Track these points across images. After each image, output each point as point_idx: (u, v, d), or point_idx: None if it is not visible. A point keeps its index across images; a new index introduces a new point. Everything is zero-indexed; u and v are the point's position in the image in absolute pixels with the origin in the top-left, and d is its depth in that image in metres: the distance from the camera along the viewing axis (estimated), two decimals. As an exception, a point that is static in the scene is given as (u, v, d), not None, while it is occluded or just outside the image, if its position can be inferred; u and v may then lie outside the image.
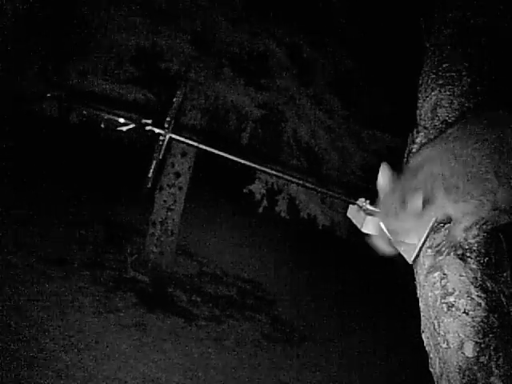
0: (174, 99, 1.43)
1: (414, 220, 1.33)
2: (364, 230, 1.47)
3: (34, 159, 8.53)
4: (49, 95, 1.35)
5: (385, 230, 1.38)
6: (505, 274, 1.30)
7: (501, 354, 1.12)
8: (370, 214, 1.48)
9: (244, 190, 5.93)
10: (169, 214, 6.62)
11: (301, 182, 1.56)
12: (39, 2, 4.77)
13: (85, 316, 5.04)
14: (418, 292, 1.41)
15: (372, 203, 1.55)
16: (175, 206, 6.65)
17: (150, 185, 1.46)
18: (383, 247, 1.43)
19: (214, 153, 1.47)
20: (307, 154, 6.20)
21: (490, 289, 1.23)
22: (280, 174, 1.58)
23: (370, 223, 1.46)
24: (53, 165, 8.61)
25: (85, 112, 1.34)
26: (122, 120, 1.34)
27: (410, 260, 1.48)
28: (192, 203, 7.38)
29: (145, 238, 6.74)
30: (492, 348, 1.13)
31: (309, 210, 6.02)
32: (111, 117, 1.35)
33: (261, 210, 6.19)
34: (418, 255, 1.45)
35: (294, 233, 9.80)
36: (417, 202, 1.28)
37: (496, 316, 1.18)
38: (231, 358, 5.34)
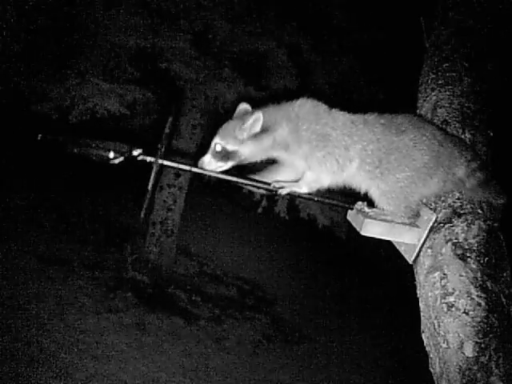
0: (165, 129, 1.46)
1: (252, 141, 1.49)
2: (363, 233, 1.48)
3: (34, 159, 8.53)
4: (39, 137, 1.35)
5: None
6: (505, 274, 1.30)
7: (501, 354, 1.12)
8: (369, 216, 1.49)
9: (244, 190, 5.93)
10: (169, 214, 6.62)
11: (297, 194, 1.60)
12: (39, 3, 4.77)
13: (85, 316, 5.04)
14: (418, 292, 1.41)
15: (370, 206, 1.56)
16: (175, 205, 6.65)
17: (143, 216, 1.51)
18: None
19: (206, 174, 1.53)
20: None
21: (490, 289, 1.23)
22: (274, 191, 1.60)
23: (368, 226, 1.47)
24: (53, 165, 8.61)
25: (75, 150, 1.36)
26: (112, 154, 1.37)
27: (410, 260, 1.48)
28: (192, 203, 7.37)
29: (145, 238, 6.73)
30: (492, 348, 1.13)
31: (308, 210, 6.02)
32: (101, 153, 1.37)
33: (260, 210, 6.20)
34: (418, 255, 1.45)
35: (294, 233, 9.81)
36: (254, 123, 1.47)
37: (496, 316, 1.18)
38: (231, 358, 5.33)
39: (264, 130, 1.49)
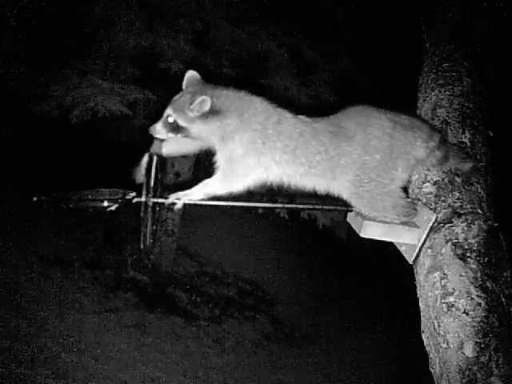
0: (152, 171, 1.53)
1: (202, 121, 1.48)
2: (363, 235, 1.48)
3: (34, 158, 8.53)
4: (35, 199, 1.43)
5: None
6: (505, 274, 1.30)
7: (501, 353, 1.12)
8: (368, 218, 1.49)
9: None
10: (169, 214, 6.62)
11: (293, 205, 1.64)
12: (39, 3, 4.77)
13: (85, 316, 5.04)
14: (418, 292, 1.41)
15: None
16: (175, 205, 6.64)
17: (148, 248, 1.60)
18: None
19: (201, 204, 1.61)
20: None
21: (490, 289, 1.23)
22: (271, 205, 1.69)
23: (368, 228, 1.47)
24: (53, 164, 8.61)
25: (71, 205, 1.42)
26: (106, 203, 1.44)
27: (410, 260, 1.49)
28: (192, 203, 7.36)
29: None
30: (492, 348, 1.13)
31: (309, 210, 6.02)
32: (96, 204, 1.45)
33: (261, 210, 6.19)
34: (418, 255, 1.45)
35: (294, 233, 9.80)
36: (201, 104, 1.45)
37: (496, 316, 1.18)
38: (231, 358, 5.33)
39: (215, 112, 1.47)
